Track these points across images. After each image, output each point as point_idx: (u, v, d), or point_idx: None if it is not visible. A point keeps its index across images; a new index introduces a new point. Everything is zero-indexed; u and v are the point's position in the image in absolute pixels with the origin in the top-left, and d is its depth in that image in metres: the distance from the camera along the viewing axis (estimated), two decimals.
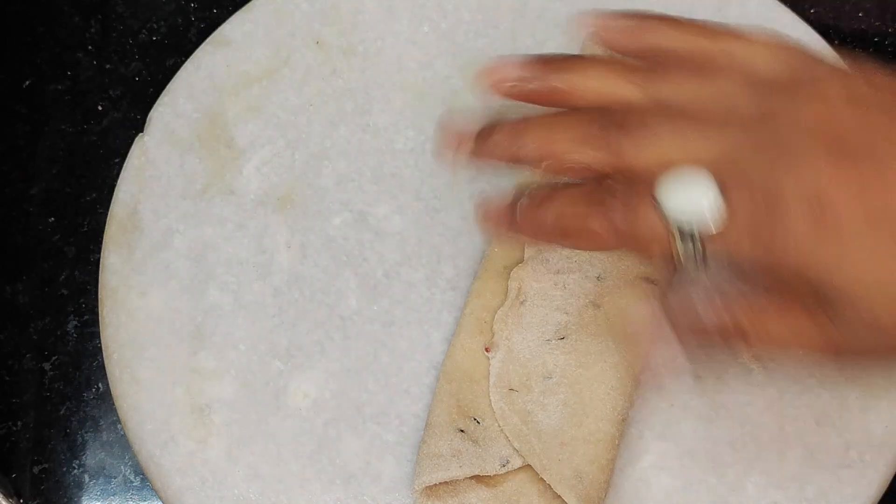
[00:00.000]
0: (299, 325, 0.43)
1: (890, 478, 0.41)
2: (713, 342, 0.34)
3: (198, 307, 0.44)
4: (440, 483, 0.39)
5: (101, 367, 0.44)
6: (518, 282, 0.42)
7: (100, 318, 0.44)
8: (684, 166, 0.32)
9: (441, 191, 0.45)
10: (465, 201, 0.45)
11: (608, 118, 0.34)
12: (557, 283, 0.41)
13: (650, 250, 0.33)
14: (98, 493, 0.45)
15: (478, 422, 0.40)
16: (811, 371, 0.42)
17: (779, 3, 0.48)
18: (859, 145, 0.31)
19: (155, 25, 0.52)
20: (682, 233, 0.32)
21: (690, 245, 0.32)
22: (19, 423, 0.46)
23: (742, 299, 0.33)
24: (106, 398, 0.45)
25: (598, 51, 0.39)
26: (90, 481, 0.45)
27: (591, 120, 0.35)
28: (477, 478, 0.40)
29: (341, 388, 0.42)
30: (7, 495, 0.43)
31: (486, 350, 0.41)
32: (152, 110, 0.47)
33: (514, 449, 0.39)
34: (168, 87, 0.47)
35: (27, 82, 0.51)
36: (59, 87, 0.51)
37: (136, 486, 0.45)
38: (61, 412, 0.46)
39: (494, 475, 0.39)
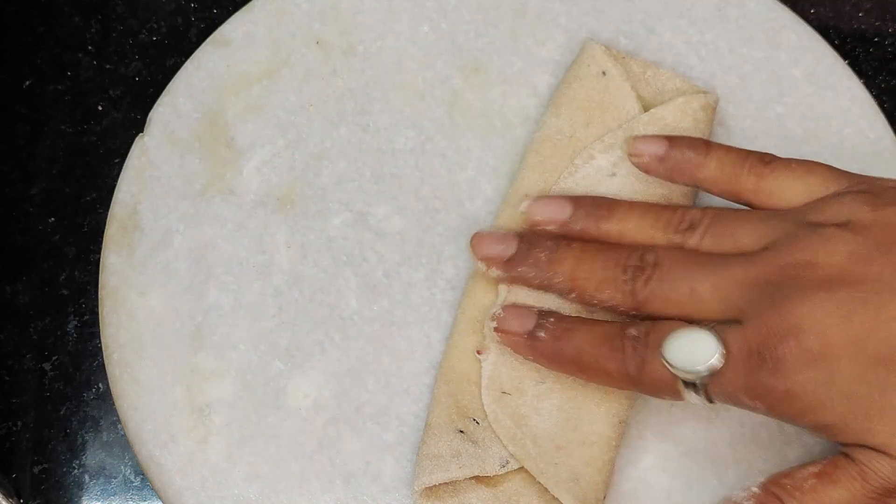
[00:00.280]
0: (299, 325, 0.43)
1: None
2: None
3: (198, 307, 0.44)
4: (440, 483, 0.39)
5: (101, 367, 0.44)
6: (508, 282, 0.41)
7: (100, 318, 0.44)
8: (688, 328, 0.35)
9: (441, 191, 0.45)
10: (465, 201, 0.45)
11: (634, 263, 0.38)
12: None
13: (661, 394, 0.37)
14: (98, 493, 0.45)
15: (477, 422, 0.40)
16: None
17: (779, 3, 0.48)
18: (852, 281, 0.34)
19: (155, 25, 0.52)
20: (686, 383, 0.35)
21: (694, 392, 0.35)
22: (19, 423, 0.46)
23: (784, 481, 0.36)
24: (106, 398, 0.45)
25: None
26: (90, 481, 0.45)
27: (617, 264, 0.38)
28: (477, 478, 0.40)
29: (341, 388, 0.42)
30: (7, 495, 0.43)
31: (478, 352, 0.41)
32: (152, 110, 0.47)
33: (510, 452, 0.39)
34: (168, 87, 0.47)
35: (27, 82, 0.51)
36: (59, 87, 0.51)
37: (136, 486, 0.45)
38: (61, 412, 0.46)
39: (494, 475, 0.39)
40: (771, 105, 0.46)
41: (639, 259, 0.37)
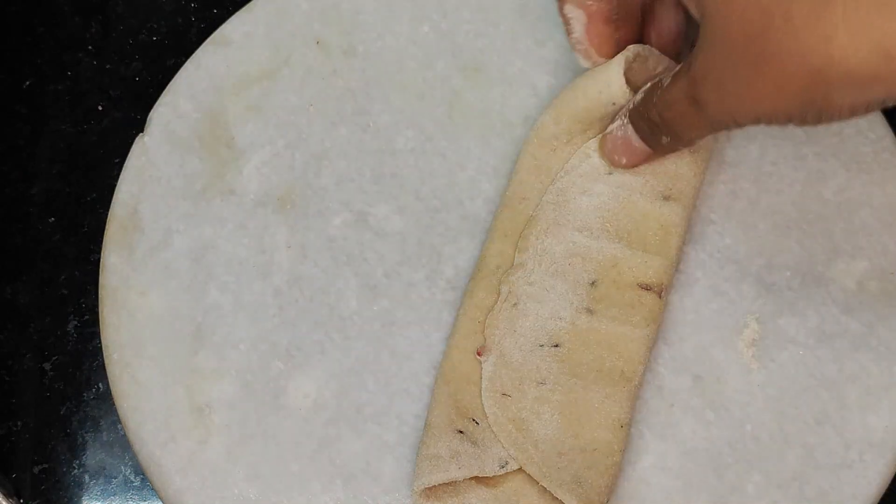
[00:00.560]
0: (299, 325, 0.43)
1: (890, 478, 0.41)
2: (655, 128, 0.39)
3: (198, 307, 0.44)
4: (440, 483, 0.39)
5: (101, 367, 0.44)
6: (509, 285, 0.41)
7: (100, 318, 0.44)
8: None
9: (441, 191, 0.45)
10: (465, 201, 0.45)
11: None
12: (550, 287, 0.41)
13: None
14: (98, 493, 0.45)
15: (476, 423, 0.40)
16: (811, 371, 0.42)
17: None
18: None
19: (155, 25, 0.52)
20: None
21: None
22: (19, 423, 0.46)
23: (658, 81, 0.38)
24: (106, 398, 0.45)
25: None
26: (90, 481, 0.45)
27: None
28: (477, 478, 0.40)
29: (341, 388, 0.42)
30: (7, 495, 0.43)
31: (478, 354, 0.41)
32: (152, 110, 0.47)
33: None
34: (168, 87, 0.47)
35: (27, 82, 0.51)
36: (59, 87, 0.51)
37: (136, 486, 0.45)
38: (61, 412, 0.46)
39: (494, 476, 0.39)
40: None
41: None
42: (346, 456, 0.41)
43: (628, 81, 0.40)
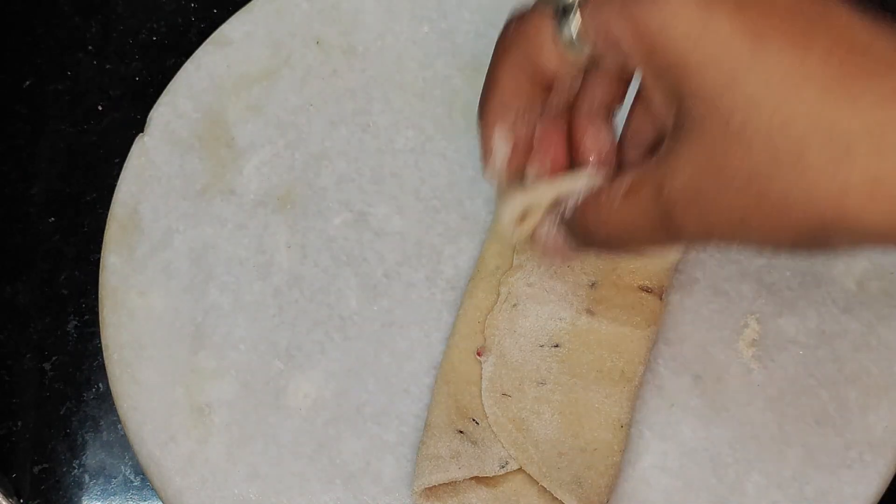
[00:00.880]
0: (299, 325, 0.43)
1: (890, 478, 0.41)
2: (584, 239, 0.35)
3: (198, 307, 0.44)
4: (440, 483, 0.39)
5: (101, 367, 0.44)
6: (508, 286, 0.41)
7: (100, 318, 0.44)
8: None
9: (441, 191, 0.45)
10: (465, 201, 0.45)
11: None
12: (550, 288, 0.41)
13: (541, 40, 0.33)
14: (98, 493, 0.45)
15: (476, 423, 0.40)
16: (811, 371, 0.42)
17: None
18: None
19: (155, 25, 0.52)
20: (557, 6, 0.32)
21: (568, 22, 0.32)
22: (19, 423, 0.46)
23: (596, 196, 0.34)
24: (106, 398, 0.45)
25: None
26: (90, 481, 0.45)
27: None
28: (477, 478, 0.40)
29: (341, 388, 0.42)
30: (7, 495, 0.43)
31: (478, 354, 0.41)
32: (152, 110, 0.47)
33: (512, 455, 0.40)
34: (168, 87, 0.47)
35: (27, 82, 0.51)
36: (59, 87, 0.51)
37: (136, 486, 0.45)
38: (61, 412, 0.46)
39: (494, 476, 0.39)
40: None
41: None
42: (346, 456, 0.41)
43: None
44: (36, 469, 0.45)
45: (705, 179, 0.29)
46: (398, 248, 0.44)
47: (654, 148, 0.34)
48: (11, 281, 0.47)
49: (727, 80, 0.29)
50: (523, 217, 0.37)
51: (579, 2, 0.32)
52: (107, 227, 0.45)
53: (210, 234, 0.45)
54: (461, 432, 0.40)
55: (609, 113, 0.36)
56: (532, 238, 0.37)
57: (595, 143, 0.36)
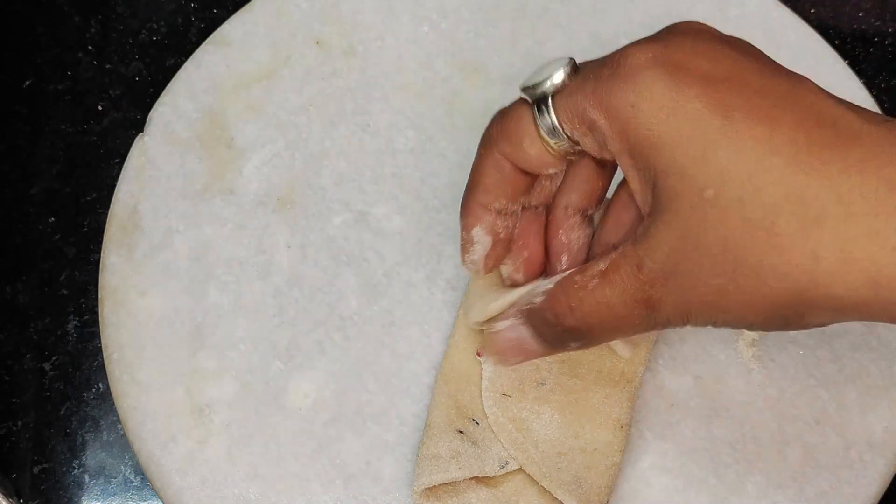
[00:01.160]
0: (299, 325, 0.43)
1: (890, 478, 0.41)
2: (556, 331, 0.34)
3: (198, 307, 0.44)
4: (440, 483, 0.39)
5: (101, 367, 0.44)
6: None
7: (100, 318, 0.44)
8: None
9: (441, 191, 0.45)
10: None
11: None
12: None
13: (521, 132, 0.34)
14: (98, 493, 0.45)
15: (476, 423, 0.40)
16: (811, 371, 0.42)
17: (779, 3, 0.48)
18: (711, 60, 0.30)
19: (155, 25, 0.52)
20: (534, 98, 0.33)
21: (545, 110, 0.33)
22: (19, 423, 0.46)
23: (570, 279, 0.33)
24: (106, 398, 0.45)
25: None
26: (90, 481, 0.45)
27: None
28: (477, 478, 0.40)
29: (341, 388, 0.42)
30: (7, 495, 0.43)
31: (478, 354, 0.41)
32: (152, 110, 0.47)
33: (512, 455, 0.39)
34: (168, 87, 0.47)
35: (27, 82, 0.51)
36: (59, 87, 0.51)
37: (136, 486, 0.45)
38: (61, 412, 0.46)
39: (494, 476, 0.39)
40: None
41: None
42: (346, 456, 0.41)
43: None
44: (36, 469, 0.45)
45: (683, 254, 0.30)
46: (398, 248, 0.44)
47: (630, 233, 0.33)
48: (11, 281, 0.47)
49: (699, 155, 0.29)
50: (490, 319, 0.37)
51: (554, 90, 0.32)
52: (107, 227, 0.45)
53: (210, 234, 0.45)
54: (461, 432, 0.40)
55: (585, 211, 0.36)
56: (489, 338, 0.37)
57: (566, 242, 0.37)
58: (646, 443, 0.41)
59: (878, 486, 0.41)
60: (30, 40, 0.52)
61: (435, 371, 0.42)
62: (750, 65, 0.30)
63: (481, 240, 0.37)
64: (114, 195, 0.45)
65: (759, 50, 0.32)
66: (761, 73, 0.30)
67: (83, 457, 0.45)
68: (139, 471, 0.44)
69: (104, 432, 0.45)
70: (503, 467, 0.39)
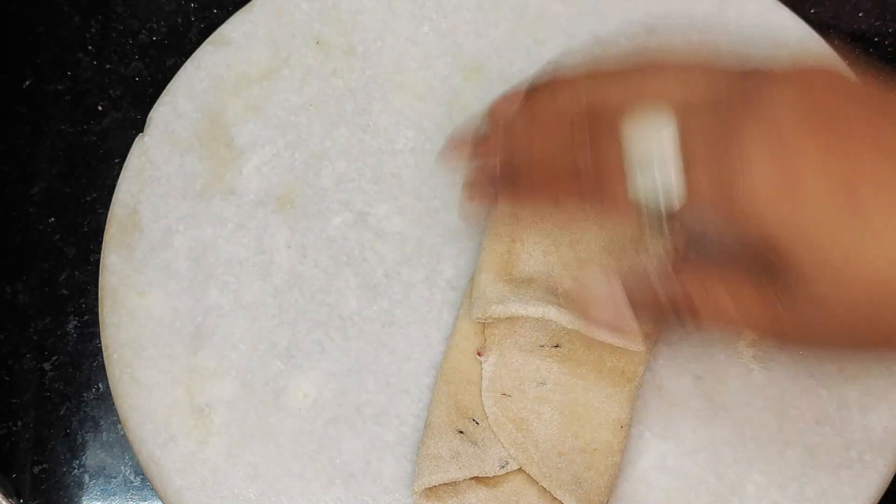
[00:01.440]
0: (299, 325, 0.43)
1: (890, 478, 0.41)
2: (665, 315, 0.34)
3: (198, 307, 0.44)
4: (440, 483, 0.39)
5: (101, 367, 0.44)
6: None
7: (100, 318, 0.44)
8: (649, 105, 0.31)
9: (441, 191, 0.45)
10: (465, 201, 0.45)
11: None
12: None
13: (615, 203, 0.33)
14: (98, 493, 0.45)
15: (476, 423, 0.40)
16: (811, 371, 0.42)
17: (779, 3, 0.48)
18: (823, 116, 0.30)
19: (155, 25, 0.52)
20: (644, 178, 0.31)
21: (654, 195, 0.31)
22: (19, 423, 0.46)
23: (694, 273, 0.33)
24: (106, 398, 0.45)
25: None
26: (90, 481, 0.45)
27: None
28: (477, 478, 0.40)
29: (341, 388, 0.42)
30: (7, 495, 0.43)
31: (479, 354, 0.41)
32: (152, 110, 0.47)
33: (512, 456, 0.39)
34: (168, 87, 0.47)
35: (27, 82, 0.51)
36: (59, 87, 0.51)
37: (136, 486, 0.45)
38: (61, 412, 0.46)
39: (494, 476, 0.39)
40: None
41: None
42: (346, 456, 0.41)
43: None
44: (36, 469, 0.45)
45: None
46: (398, 248, 0.44)
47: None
48: (11, 281, 0.47)
49: (825, 252, 0.29)
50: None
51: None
52: (107, 227, 0.45)
53: (210, 234, 0.45)
54: (461, 432, 0.40)
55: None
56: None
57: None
58: (646, 443, 0.41)
59: (878, 486, 0.41)
60: (30, 40, 0.52)
61: (435, 371, 0.42)
62: None
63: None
64: (114, 195, 0.45)
65: None
66: None
67: (83, 457, 0.45)
68: (139, 471, 0.44)
69: (104, 432, 0.45)
70: (503, 467, 0.39)
